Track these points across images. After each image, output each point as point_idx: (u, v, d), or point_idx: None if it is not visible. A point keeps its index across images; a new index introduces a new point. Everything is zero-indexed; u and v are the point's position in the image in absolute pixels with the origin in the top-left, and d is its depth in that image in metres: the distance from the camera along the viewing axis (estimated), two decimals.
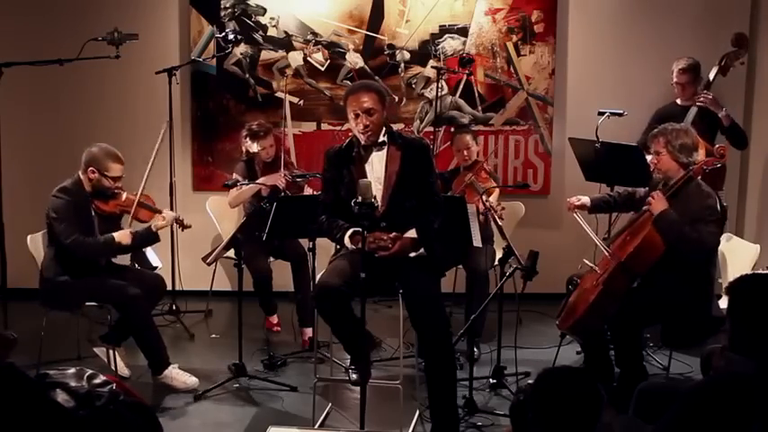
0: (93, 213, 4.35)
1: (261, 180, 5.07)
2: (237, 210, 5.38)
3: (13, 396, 1.61)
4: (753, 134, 5.68)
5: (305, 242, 4.81)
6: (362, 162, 3.74)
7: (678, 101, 5.20)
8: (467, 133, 5.16)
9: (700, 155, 4.11)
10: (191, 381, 4.35)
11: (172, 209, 5.35)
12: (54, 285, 4.31)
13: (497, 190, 4.93)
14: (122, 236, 4.34)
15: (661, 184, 4.12)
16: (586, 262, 4.20)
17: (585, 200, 4.45)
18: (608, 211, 4.62)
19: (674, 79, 5.15)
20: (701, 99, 4.99)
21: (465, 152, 5.05)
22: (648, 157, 4.24)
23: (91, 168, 4.30)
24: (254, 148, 5.17)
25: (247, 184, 5.07)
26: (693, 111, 4.98)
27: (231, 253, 4.52)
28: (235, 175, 5.10)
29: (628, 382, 3.75)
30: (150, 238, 4.48)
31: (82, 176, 4.33)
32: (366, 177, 3.63)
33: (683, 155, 3.97)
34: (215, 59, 5.83)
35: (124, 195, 4.44)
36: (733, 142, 5.22)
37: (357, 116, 3.67)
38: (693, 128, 4.78)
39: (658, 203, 3.94)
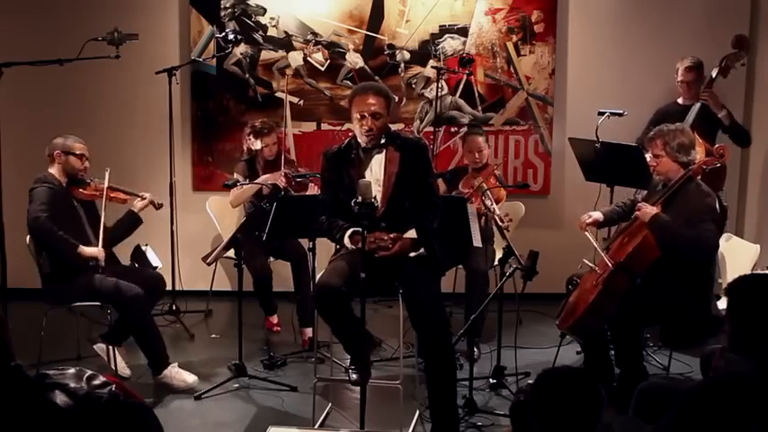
0: (74, 203, 4.41)
1: (261, 179, 5.08)
2: (237, 209, 5.39)
3: (16, 398, 1.62)
4: (753, 135, 5.66)
5: (305, 242, 4.81)
6: (362, 163, 3.74)
7: (680, 100, 5.20)
8: (479, 135, 5.08)
9: (698, 153, 4.11)
10: (190, 379, 4.35)
11: (172, 209, 5.37)
12: (55, 281, 4.33)
13: (505, 195, 4.91)
14: (86, 251, 4.29)
15: (660, 185, 4.12)
16: (586, 262, 4.20)
17: (597, 215, 4.37)
18: (619, 222, 4.58)
19: (680, 78, 5.15)
20: (705, 96, 4.99)
21: (477, 154, 5.02)
22: (647, 156, 4.25)
23: (56, 152, 4.39)
24: (258, 145, 5.18)
25: (247, 184, 5.08)
26: (694, 110, 4.98)
27: (231, 253, 4.52)
28: (236, 175, 5.11)
29: (628, 382, 3.75)
30: (133, 220, 4.57)
31: (52, 170, 4.41)
32: (365, 178, 3.63)
33: (682, 154, 3.98)
34: (215, 59, 5.83)
35: (97, 181, 4.51)
36: (735, 140, 5.21)
37: (363, 117, 3.67)
38: (694, 128, 4.79)
39: (646, 210, 3.94)
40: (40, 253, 4.37)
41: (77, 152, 4.41)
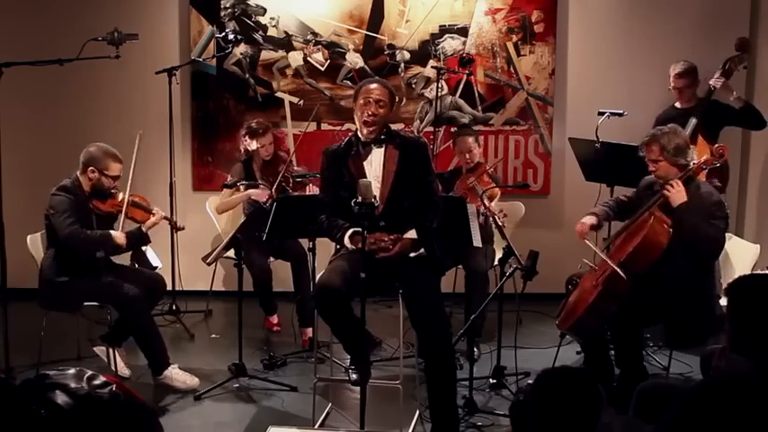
0: (91, 215, 4.37)
1: (248, 193, 5.14)
2: (238, 209, 5.39)
3: (4, 405, 1.62)
4: (753, 135, 5.68)
5: (305, 242, 4.82)
6: (361, 160, 3.74)
7: (677, 104, 5.19)
8: (469, 135, 5.13)
9: (694, 152, 4.12)
10: (191, 381, 4.35)
11: (172, 209, 5.36)
12: (53, 286, 4.32)
13: (499, 193, 4.92)
14: (118, 236, 4.36)
15: (658, 184, 4.10)
16: (586, 262, 4.20)
17: (591, 220, 4.26)
18: (610, 221, 4.56)
19: (671, 84, 5.14)
20: (714, 85, 4.98)
21: (467, 155, 5.04)
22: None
23: (90, 168, 4.32)
24: (254, 145, 5.19)
25: (247, 185, 5.11)
26: (692, 124, 4.94)
27: (231, 253, 4.52)
28: (229, 178, 5.16)
29: (628, 382, 3.75)
30: (141, 238, 4.50)
31: (81, 177, 4.35)
32: (365, 176, 3.63)
33: (680, 157, 3.98)
34: (215, 59, 5.83)
35: (120, 195, 4.46)
36: (750, 124, 5.20)
37: (367, 104, 3.68)
38: (697, 130, 4.79)
39: (678, 195, 3.91)
40: (47, 249, 4.36)
41: (112, 174, 4.33)
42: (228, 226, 5.51)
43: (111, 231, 4.36)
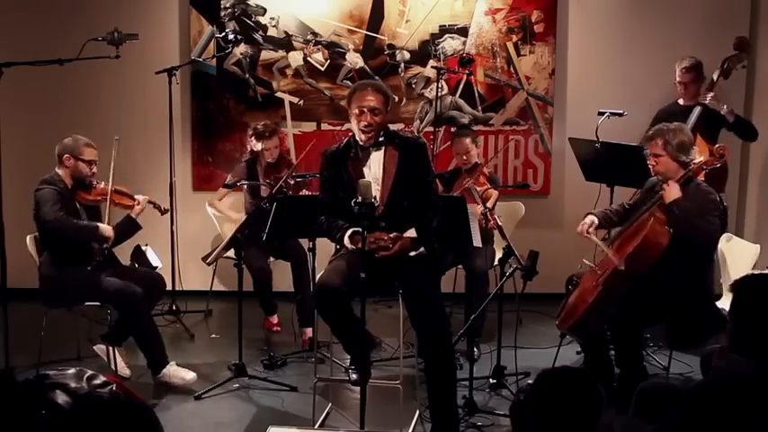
0: (78, 205, 4.41)
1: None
2: (239, 209, 5.40)
3: (10, 402, 1.62)
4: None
5: (305, 242, 4.81)
6: (360, 162, 3.74)
7: (680, 101, 5.19)
8: (466, 136, 5.11)
9: (697, 152, 4.12)
10: (189, 376, 4.35)
11: (172, 209, 5.36)
12: (53, 283, 4.33)
13: (496, 193, 4.92)
14: (106, 228, 4.38)
15: (658, 185, 4.11)
16: (586, 262, 4.20)
17: (593, 219, 4.26)
18: (610, 227, 4.53)
19: (677, 79, 5.14)
20: (705, 98, 4.98)
21: (464, 155, 5.04)
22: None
23: (65, 156, 4.36)
24: (258, 147, 5.21)
25: (247, 184, 5.14)
26: (695, 114, 4.96)
27: (231, 253, 4.53)
28: (228, 178, 5.21)
29: (628, 382, 3.75)
30: (132, 225, 4.53)
31: (59, 171, 4.38)
32: (364, 177, 3.63)
33: (683, 154, 3.98)
34: (215, 59, 5.84)
35: (102, 184, 4.49)
36: (742, 135, 5.21)
37: (361, 113, 3.66)
38: (696, 130, 4.78)
39: (672, 191, 3.92)
40: (42, 253, 4.37)
41: (87, 158, 4.38)
42: (229, 226, 5.50)
43: (99, 224, 4.37)
